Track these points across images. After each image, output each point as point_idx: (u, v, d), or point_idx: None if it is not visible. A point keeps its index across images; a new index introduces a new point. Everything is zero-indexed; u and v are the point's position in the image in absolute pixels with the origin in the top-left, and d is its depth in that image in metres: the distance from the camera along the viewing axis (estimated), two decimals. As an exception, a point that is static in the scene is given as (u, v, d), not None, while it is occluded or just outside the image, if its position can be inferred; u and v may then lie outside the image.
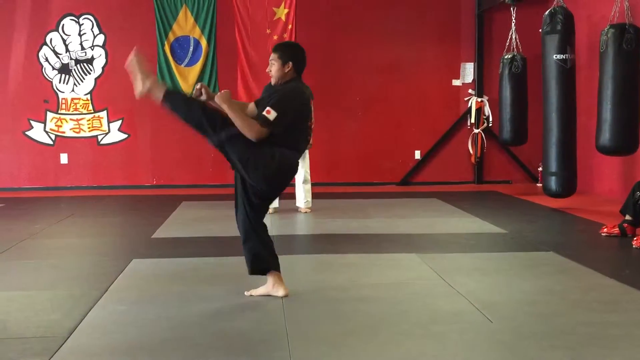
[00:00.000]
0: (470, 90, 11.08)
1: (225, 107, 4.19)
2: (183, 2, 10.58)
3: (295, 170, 4.40)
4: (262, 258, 4.43)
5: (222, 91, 4.27)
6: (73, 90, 10.71)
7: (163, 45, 10.62)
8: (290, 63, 4.39)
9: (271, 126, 4.16)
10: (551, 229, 7.19)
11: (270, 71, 4.42)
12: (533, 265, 5.42)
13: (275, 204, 8.02)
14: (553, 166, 7.99)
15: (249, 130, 4.13)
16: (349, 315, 4.10)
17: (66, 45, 10.67)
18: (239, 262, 4.89)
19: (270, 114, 4.15)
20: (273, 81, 4.45)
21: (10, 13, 10.51)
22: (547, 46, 7.90)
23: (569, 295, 4.53)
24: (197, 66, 10.68)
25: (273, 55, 4.40)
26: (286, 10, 10.57)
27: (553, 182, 8.03)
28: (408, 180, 11.10)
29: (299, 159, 4.42)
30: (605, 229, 6.48)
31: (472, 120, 10.97)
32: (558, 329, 3.81)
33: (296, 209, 8.15)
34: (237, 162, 4.21)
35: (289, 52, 4.44)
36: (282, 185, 4.39)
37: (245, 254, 4.44)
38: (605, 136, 7.10)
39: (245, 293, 4.48)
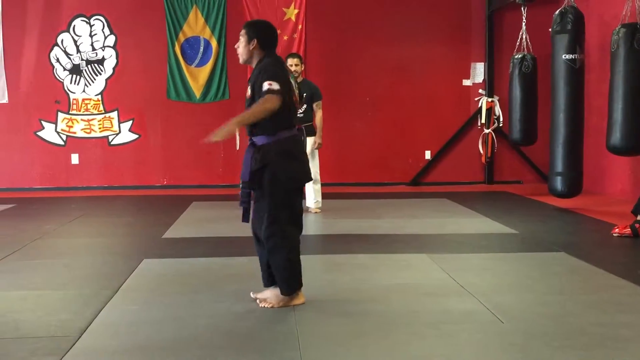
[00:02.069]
0: (480, 90, 11.06)
1: (236, 123, 4.09)
2: (193, 2, 10.61)
3: (301, 143, 4.41)
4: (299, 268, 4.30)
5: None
6: (84, 91, 10.76)
7: (173, 46, 10.65)
8: (255, 40, 4.28)
9: (280, 94, 4.09)
10: (562, 229, 7.16)
11: (238, 48, 4.36)
12: (544, 265, 5.40)
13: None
14: (559, 166, 7.96)
15: (264, 105, 4.04)
16: (360, 316, 4.10)
17: (77, 46, 10.71)
18: (249, 262, 4.91)
19: (273, 85, 4.08)
20: (240, 59, 4.36)
21: (21, 14, 10.57)
22: (557, 46, 7.88)
23: (580, 295, 4.52)
24: (208, 66, 10.70)
25: (240, 34, 4.34)
26: (296, 11, 10.58)
27: (559, 182, 8.00)
28: (418, 180, 11.09)
29: (298, 135, 4.36)
30: (616, 230, 6.45)
31: (483, 120, 10.95)
32: (569, 330, 3.79)
33: (306, 209, 8.14)
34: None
35: (254, 29, 4.34)
36: (301, 166, 4.31)
37: (277, 264, 4.23)
38: (616, 136, 7.07)
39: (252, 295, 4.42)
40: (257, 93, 4.17)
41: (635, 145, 7.11)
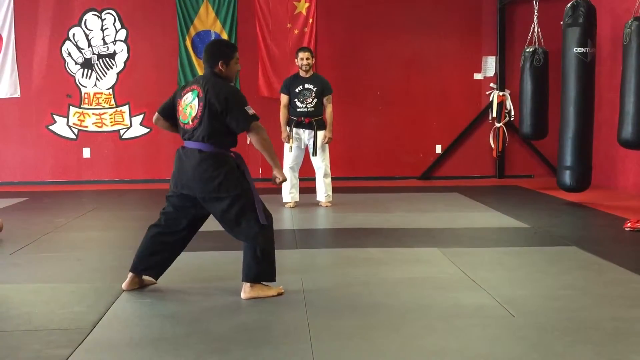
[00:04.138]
0: (491, 84, 11.02)
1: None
2: (204, -4, 10.62)
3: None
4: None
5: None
6: (95, 85, 10.79)
7: (184, 40, 10.65)
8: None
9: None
10: (574, 223, 7.14)
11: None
12: (556, 260, 5.38)
13: (296, 197, 8.04)
14: (568, 160, 7.93)
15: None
16: (371, 309, 4.10)
17: (88, 40, 10.74)
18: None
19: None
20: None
21: (33, 8, 10.60)
22: (568, 39, 7.83)
23: (592, 290, 4.50)
24: (218, 61, 10.69)
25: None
26: (307, 5, 10.56)
27: (568, 177, 7.97)
28: (429, 174, 11.07)
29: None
30: (629, 224, 6.43)
31: (494, 114, 10.91)
32: (582, 324, 3.78)
33: (317, 203, 8.15)
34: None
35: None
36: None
37: (268, 262, 4.39)
38: (628, 130, 7.01)
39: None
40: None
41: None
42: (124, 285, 4.56)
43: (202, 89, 4.32)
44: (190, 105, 4.35)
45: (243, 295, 4.34)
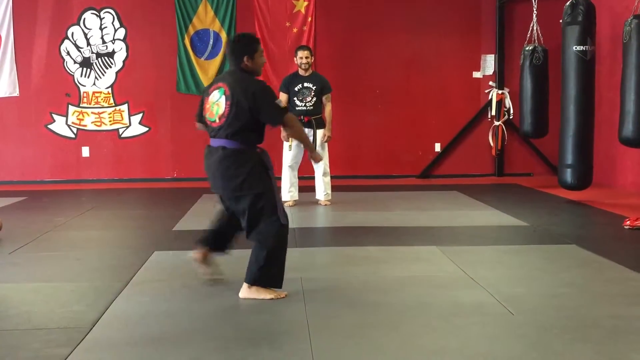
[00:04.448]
0: (491, 83, 11.01)
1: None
2: (203, -5, 10.61)
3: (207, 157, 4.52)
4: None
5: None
6: (94, 84, 10.78)
7: (183, 39, 10.65)
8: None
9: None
10: (573, 221, 7.14)
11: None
12: (555, 258, 5.39)
13: (295, 196, 8.04)
14: (569, 158, 7.93)
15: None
16: (370, 308, 4.10)
17: (87, 39, 10.73)
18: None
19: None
20: None
21: (32, 7, 10.59)
22: (568, 37, 7.83)
23: (591, 288, 4.50)
24: (217, 59, 10.70)
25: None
26: (306, 3, 10.55)
27: (569, 175, 7.97)
28: (428, 173, 11.07)
29: (207, 149, 4.51)
30: (628, 222, 6.43)
31: (493, 113, 10.91)
32: (581, 322, 3.78)
33: (316, 202, 8.15)
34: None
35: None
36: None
37: (259, 257, 4.31)
38: (628, 128, 7.01)
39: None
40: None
41: (647, 137, 7.06)
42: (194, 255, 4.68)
43: (229, 86, 4.29)
44: (217, 103, 4.32)
45: (240, 294, 4.33)
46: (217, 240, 4.67)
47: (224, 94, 4.30)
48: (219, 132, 4.31)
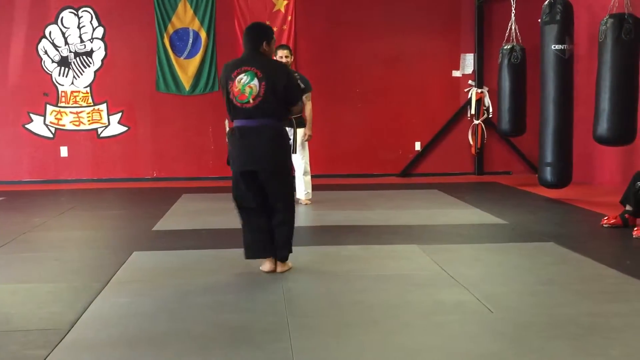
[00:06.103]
0: (470, 81, 11.07)
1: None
2: (182, -7, 10.57)
3: (236, 137, 4.76)
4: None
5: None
6: (72, 83, 10.70)
7: (162, 38, 10.60)
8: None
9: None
10: (552, 219, 7.19)
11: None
12: (534, 255, 5.42)
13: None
14: (549, 157, 7.98)
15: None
16: (350, 306, 4.11)
17: (65, 38, 10.65)
18: (240, 254, 4.90)
19: None
20: None
21: (9, 6, 10.49)
22: (546, 36, 7.88)
23: (570, 285, 4.54)
24: (197, 58, 10.66)
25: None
26: (285, 2, 10.54)
27: (548, 173, 8.02)
28: (408, 171, 11.10)
29: (236, 128, 4.73)
30: (606, 220, 6.48)
31: (472, 112, 10.97)
32: (559, 320, 3.81)
33: (296, 201, 8.14)
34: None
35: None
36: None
37: (289, 234, 4.81)
38: (603, 126, 7.07)
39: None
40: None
41: (622, 135, 7.13)
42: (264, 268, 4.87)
43: (260, 68, 4.61)
44: (249, 85, 4.59)
45: (278, 269, 4.83)
46: (272, 242, 4.85)
47: (256, 76, 4.60)
48: (256, 111, 4.60)
